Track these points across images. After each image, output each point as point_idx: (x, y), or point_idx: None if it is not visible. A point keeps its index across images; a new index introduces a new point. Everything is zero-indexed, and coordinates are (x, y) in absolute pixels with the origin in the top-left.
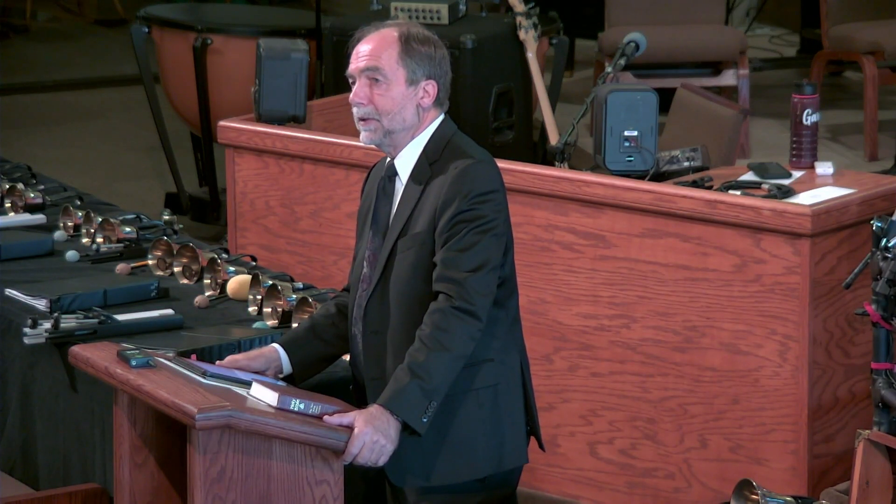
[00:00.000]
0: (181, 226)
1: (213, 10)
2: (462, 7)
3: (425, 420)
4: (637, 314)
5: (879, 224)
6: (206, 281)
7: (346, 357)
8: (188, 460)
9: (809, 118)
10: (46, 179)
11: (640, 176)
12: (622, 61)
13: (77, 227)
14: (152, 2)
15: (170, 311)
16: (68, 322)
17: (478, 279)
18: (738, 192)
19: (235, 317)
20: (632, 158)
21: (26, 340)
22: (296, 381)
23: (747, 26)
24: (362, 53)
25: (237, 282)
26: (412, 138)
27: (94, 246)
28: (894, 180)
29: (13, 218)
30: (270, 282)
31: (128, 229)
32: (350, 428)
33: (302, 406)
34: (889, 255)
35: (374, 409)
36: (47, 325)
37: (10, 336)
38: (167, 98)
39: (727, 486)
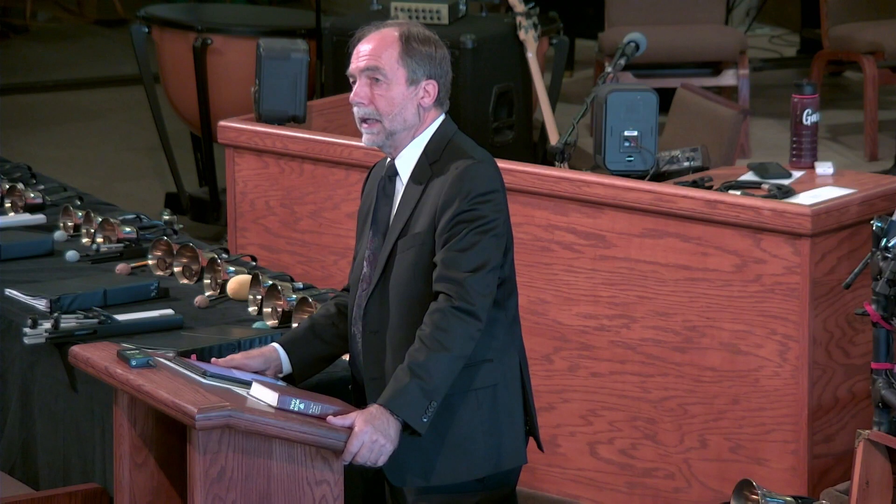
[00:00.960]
0: (181, 226)
1: (213, 10)
2: (462, 7)
3: (425, 420)
4: (637, 314)
5: (879, 224)
6: (206, 281)
7: (346, 357)
8: (188, 460)
9: (809, 118)
10: (46, 179)
11: (640, 176)
12: (622, 61)
13: (77, 227)
14: (152, 2)
15: (170, 311)
16: (68, 322)
17: (478, 279)
18: (738, 192)
19: (235, 317)
20: (632, 158)
21: (26, 340)
22: (295, 380)
23: (747, 26)
24: (363, 53)
25: (237, 282)
26: (413, 138)
27: (94, 246)
28: (894, 180)
29: (13, 218)
30: (270, 282)
31: (128, 229)
32: (350, 428)
33: (302, 406)
34: (889, 255)
35: (374, 408)
36: (47, 325)
37: (10, 336)
38: (167, 98)
39: (727, 486)
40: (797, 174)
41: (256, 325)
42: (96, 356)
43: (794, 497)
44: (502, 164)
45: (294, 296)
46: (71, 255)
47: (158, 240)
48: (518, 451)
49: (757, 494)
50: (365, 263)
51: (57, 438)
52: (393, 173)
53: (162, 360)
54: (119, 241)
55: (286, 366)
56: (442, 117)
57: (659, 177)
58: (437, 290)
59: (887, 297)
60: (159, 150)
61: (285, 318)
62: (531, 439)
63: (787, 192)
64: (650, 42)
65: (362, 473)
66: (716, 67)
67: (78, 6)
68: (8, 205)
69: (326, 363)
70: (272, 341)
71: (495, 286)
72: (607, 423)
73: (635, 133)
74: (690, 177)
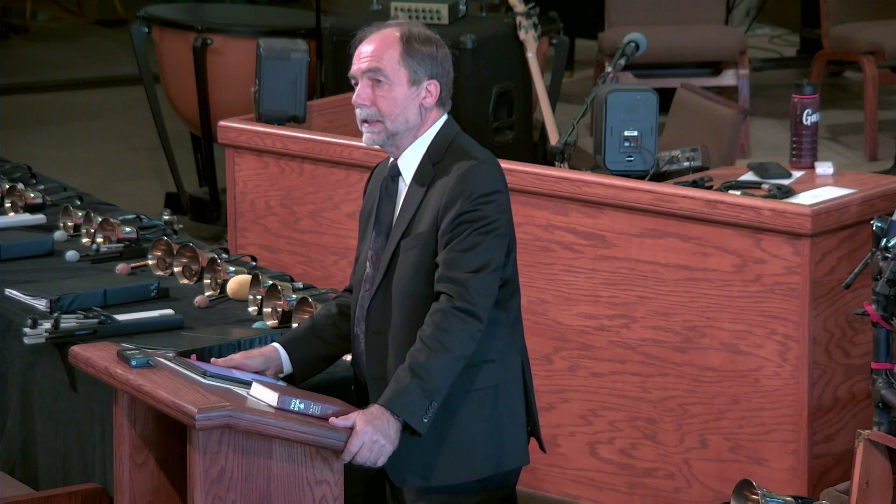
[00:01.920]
0: (181, 226)
1: (213, 10)
2: (462, 7)
3: (426, 420)
4: (637, 314)
5: (879, 224)
6: (206, 281)
7: (348, 357)
8: (188, 460)
9: (809, 118)
10: (46, 179)
11: (640, 176)
12: (622, 61)
13: (77, 227)
14: (152, 2)
15: (170, 311)
16: (68, 322)
17: (479, 280)
18: (738, 192)
19: (235, 317)
20: (632, 158)
21: (26, 340)
22: (296, 380)
23: (747, 26)
24: (364, 54)
25: (237, 282)
26: (415, 139)
27: (94, 246)
28: (894, 180)
29: (13, 218)
30: (270, 282)
31: (128, 229)
32: (351, 428)
33: (302, 406)
34: (889, 255)
35: (374, 408)
36: (47, 325)
37: (10, 336)
38: (167, 98)
39: (727, 486)
40: (797, 174)
41: (256, 325)
42: (96, 356)
43: (794, 497)
44: (502, 164)
45: (294, 296)
46: (71, 255)
47: (158, 240)
48: (519, 451)
49: (757, 494)
50: (367, 264)
51: (57, 438)
52: (395, 174)
53: (162, 360)
54: (119, 241)
55: (286, 366)
56: (444, 117)
57: (659, 177)
58: (439, 290)
59: (887, 297)
60: (159, 150)
61: (285, 318)
62: (532, 439)
63: (787, 192)
64: (650, 42)
65: (363, 473)
66: (716, 67)
67: (78, 6)
68: (8, 205)
69: (327, 363)
70: (272, 341)
71: (497, 287)
72: (607, 423)
73: (635, 133)
74: (690, 177)
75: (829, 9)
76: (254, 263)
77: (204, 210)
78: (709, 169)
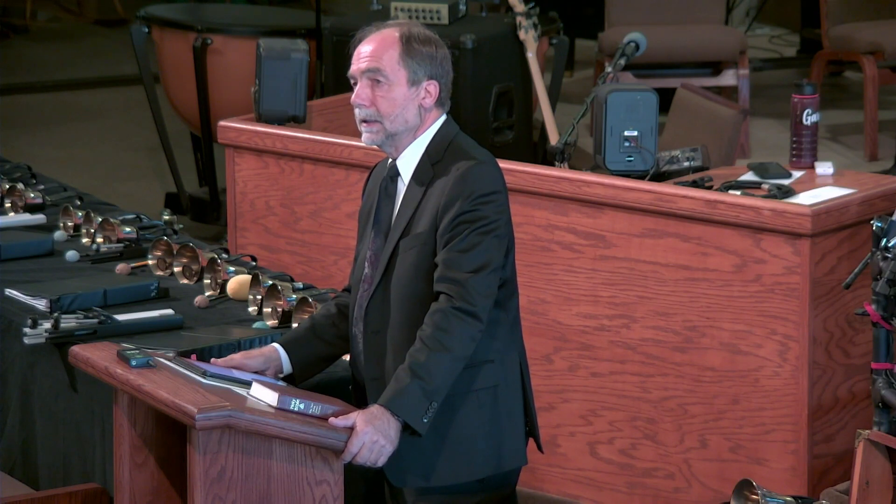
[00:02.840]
0: (181, 226)
1: (213, 10)
2: (462, 7)
3: (426, 420)
4: (637, 314)
5: (879, 224)
6: (206, 281)
7: (346, 357)
8: (188, 460)
9: (809, 118)
10: (46, 179)
11: (640, 176)
12: (622, 61)
13: (77, 227)
14: (152, 2)
15: (170, 311)
16: (68, 322)
17: (479, 280)
18: (738, 192)
19: (235, 317)
20: (632, 158)
21: (26, 340)
22: (296, 380)
23: (747, 26)
24: (363, 54)
25: (237, 282)
26: (414, 139)
27: (94, 246)
28: (894, 180)
29: (13, 218)
30: (270, 282)
31: (128, 229)
32: (351, 429)
33: (302, 406)
34: (889, 255)
35: (374, 409)
36: (47, 325)
37: (10, 336)
38: (167, 98)
39: (727, 486)
40: (797, 174)
41: (256, 325)
42: (96, 356)
43: (794, 497)
44: (502, 164)
45: (294, 296)
46: (71, 255)
47: (158, 240)
48: (518, 451)
49: (757, 494)
50: (366, 264)
51: (57, 438)
52: (395, 174)
53: (162, 360)
54: (119, 241)
55: (286, 366)
56: (443, 118)
57: (659, 177)
58: (439, 290)
59: (887, 297)
60: (159, 150)
61: (285, 318)
62: (531, 440)
63: (787, 192)
64: (650, 42)
65: (362, 473)
66: (716, 67)
67: (78, 6)
68: (8, 205)
69: (327, 363)
70: (272, 341)
71: (496, 287)
72: (607, 423)
73: (635, 133)
74: (690, 177)
75: (829, 9)
76: (254, 263)
77: (204, 210)
78: (709, 169)
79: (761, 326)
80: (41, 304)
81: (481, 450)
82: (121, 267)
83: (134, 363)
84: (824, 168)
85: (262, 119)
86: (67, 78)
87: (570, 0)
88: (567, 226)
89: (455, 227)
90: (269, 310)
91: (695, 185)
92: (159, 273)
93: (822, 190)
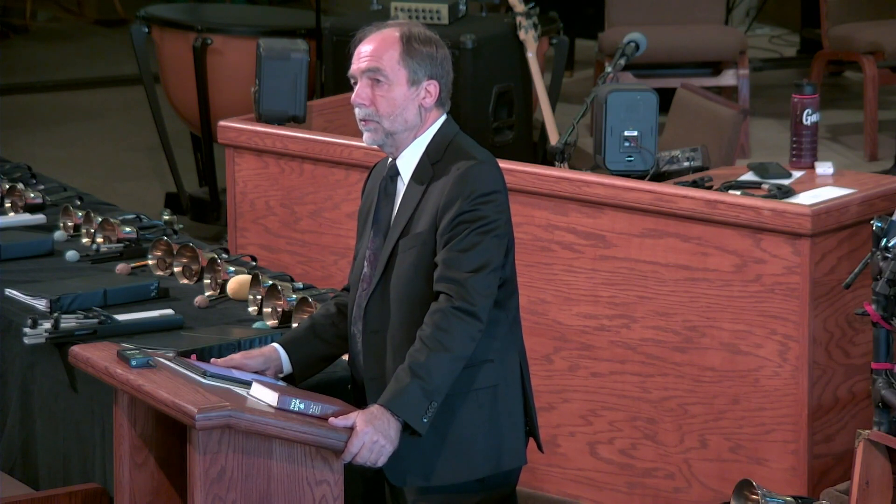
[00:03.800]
0: (181, 226)
1: (213, 10)
2: (462, 7)
3: (426, 420)
4: (637, 314)
5: (879, 224)
6: (206, 281)
7: (346, 357)
8: (188, 460)
9: (809, 118)
10: (46, 179)
11: (640, 176)
12: (622, 61)
13: (77, 227)
14: (152, 2)
15: (170, 311)
16: (68, 322)
17: (479, 280)
18: (738, 192)
19: (235, 317)
20: (632, 158)
21: (26, 340)
22: (296, 380)
23: (747, 26)
24: (363, 54)
25: (237, 282)
26: (414, 138)
27: (94, 246)
28: (894, 180)
29: (13, 218)
30: (270, 282)
31: (128, 229)
32: (351, 428)
33: (302, 406)
34: (889, 255)
35: (374, 408)
36: (47, 325)
37: (10, 336)
38: (167, 98)
39: (727, 486)
40: (797, 174)
41: (256, 325)
42: (96, 356)
43: (794, 497)
44: (502, 164)
45: (294, 296)
46: (71, 255)
47: (158, 240)
48: (518, 451)
49: (757, 494)
50: (365, 263)
51: (57, 438)
52: (394, 173)
53: (162, 360)
54: (119, 241)
55: (286, 366)
56: (443, 118)
57: (659, 177)
58: (438, 290)
59: (887, 297)
60: (159, 150)
61: (285, 318)
62: (531, 440)
63: (787, 192)
64: (650, 42)
65: (362, 473)
66: (716, 67)
67: (78, 6)
68: (8, 205)
69: (327, 363)
70: (272, 341)
71: (496, 287)
72: (607, 423)
73: (635, 133)
74: (690, 177)
75: (829, 9)
76: (254, 263)
77: (204, 210)
78: (709, 169)
79: (761, 326)
80: (41, 304)
81: (481, 449)
82: (121, 267)
83: (134, 363)
84: (824, 168)
85: (262, 119)
86: (67, 78)
87: (570, 0)
88: (567, 226)
89: (455, 227)
90: (269, 310)
91: (695, 185)
92: (159, 273)
93: (822, 190)
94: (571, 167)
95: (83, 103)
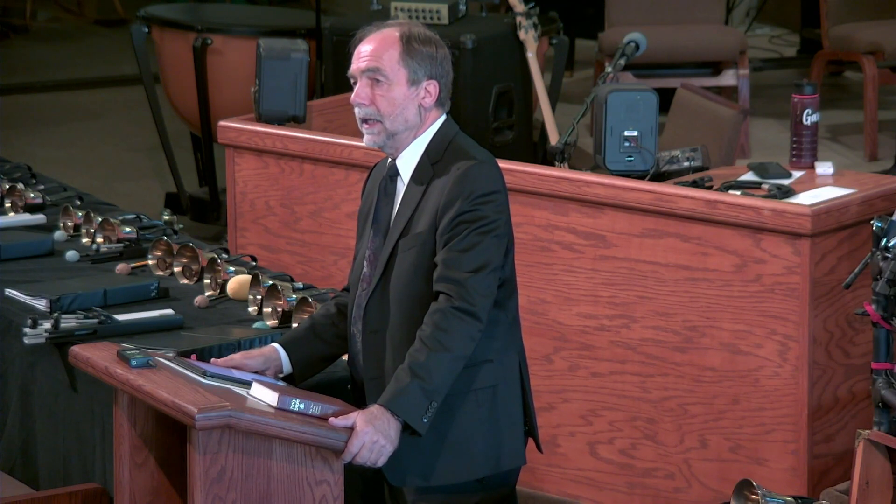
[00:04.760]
0: (181, 226)
1: (213, 10)
2: (462, 7)
3: (426, 420)
4: (637, 314)
5: (879, 224)
6: (206, 281)
7: (345, 357)
8: (188, 460)
9: (809, 118)
10: (46, 179)
11: (640, 176)
12: (622, 61)
13: (77, 227)
14: (152, 2)
15: (170, 311)
16: (68, 322)
17: (478, 280)
18: (738, 192)
19: (235, 317)
20: (632, 158)
21: (26, 340)
22: (295, 380)
23: (747, 26)
24: (363, 54)
25: (237, 282)
26: (414, 139)
27: (94, 246)
28: (894, 180)
29: (13, 218)
30: (270, 282)
31: (128, 229)
32: (351, 428)
33: (302, 406)
34: (889, 255)
35: (374, 408)
36: (47, 325)
37: (10, 336)
38: (167, 98)
39: (727, 486)
40: (797, 174)
41: (256, 325)
42: (96, 356)
43: (794, 497)
44: (502, 164)
45: (294, 296)
46: (71, 255)
47: (158, 240)
48: (517, 451)
49: (757, 494)
50: (365, 263)
51: (57, 438)
52: (394, 173)
53: (162, 360)
54: (119, 241)
55: (286, 366)
56: (443, 118)
57: (659, 177)
58: (438, 290)
59: (887, 297)
60: (159, 150)
61: (285, 318)
62: (531, 440)
63: (787, 192)
64: (650, 42)
65: (362, 473)
66: (716, 67)
67: (78, 6)
68: (8, 205)
69: (327, 363)
70: (272, 341)
71: (496, 287)
72: (607, 423)
73: (635, 133)
74: (690, 177)
75: (829, 9)
76: (254, 263)
77: (204, 210)
78: (709, 169)
79: (761, 326)
80: (41, 304)
81: (480, 449)
82: (121, 267)
83: (134, 363)
84: (824, 168)
85: (262, 119)
86: (67, 78)
87: (570, 0)
88: (567, 226)
89: (455, 227)
90: (269, 310)
91: (695, 185)
92: (159, 273)
93: (822, 190)
94: (571, 167)
95: (83, 103)
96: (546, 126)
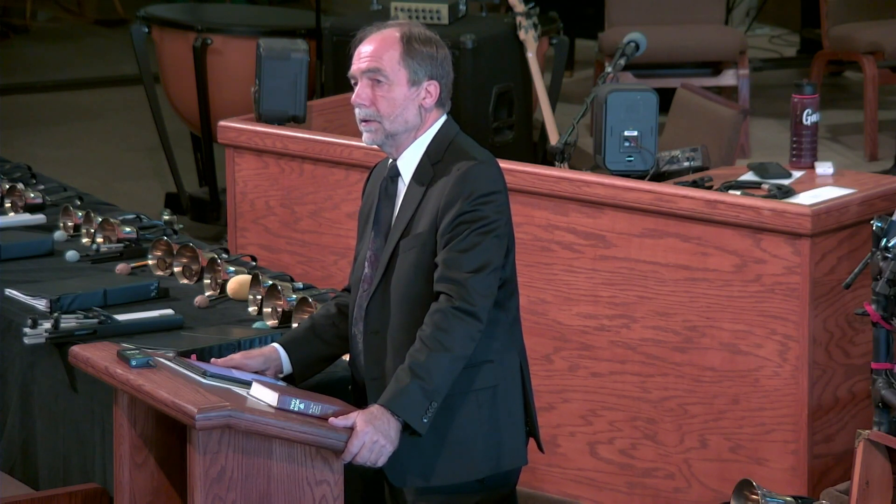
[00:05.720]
0: (181, 226)
1: (213, 10)
2: (462, 7)
3: (426, 420)
4: (637, 314)
5: (879, 224)
6: (206, 281)
7: (346, 357)
8: (188, 460)
9: (809, 118)
10: (46, 179)
11: (640, 176)
12: (622, 61)
13: (77, 227)
14: (152, 2)
15: (170, 311)
16: (68, 322)
17: (479, 280)
18: (738, 192)
19: (235, 317)
20: (632, 158)
21: (26, 340)
22: (296, 380)
23: (747, 26)
24: (364, 54)
25: (237, 282)
26: (414, 139)
27: (94, 246)
28: (894, 180)
29: (13, 218)
30: (270, 282)
31: (128, 229)
32: (351, 429)
33: (302, 406)
34: (889, 255)
35: (374, 409)
36: (47, 325)
37: (10, 336)
38: (167, 98)
39: (727, 486)
40: (797, 174)
41: (256, 325)
42: (96, 356)
43: (794, 497)
44: (502, 163)
45: (294, 296)
46: (71, 255)
47: (158, 240)
48: (518, 451)
49: (757, 494)
50: (366, 264)
51: (57, 438)
52: (395, 174)
53: (162, 360)
54: (119, 241)
55: (286, 366)
56: (444, 118)
57: (659, 177)
58: (438, 290)
59: (887, 297)
60: (159, 150)
61: (285, 318)
62: (531, 440)
63: (787, 192)
64: (650, 42)
65: (362, 473)
66: (716, 67)
67: (78, 6)
68: (8, 205)
69: (327, 363)
70: (272, 341)
71: (496, 287)
72: (607, 423)
73: (635, 133)
74: (690, 177)
75: (829, 9)
76: (254, 263)
77: (204, 210)
78: (709, 169)
79: (761, 326)
80: (41, 304)
81: (481, 449)
82: (121, 267)
83: (134, 363)
84: (824, 168)
85: (262, 119)
86: (67, 78)
87: (570, 0)
88: (567, 226)
89: (455, 228)
90: (269, 310)
91: (695, 185)
92: (159, 273)
93: (822, 190)
94: (571, 167)
95: (83, 103)
96: (546, 126)
